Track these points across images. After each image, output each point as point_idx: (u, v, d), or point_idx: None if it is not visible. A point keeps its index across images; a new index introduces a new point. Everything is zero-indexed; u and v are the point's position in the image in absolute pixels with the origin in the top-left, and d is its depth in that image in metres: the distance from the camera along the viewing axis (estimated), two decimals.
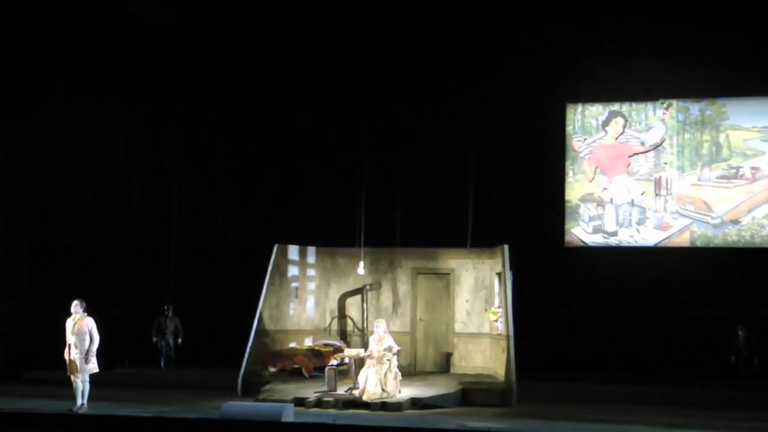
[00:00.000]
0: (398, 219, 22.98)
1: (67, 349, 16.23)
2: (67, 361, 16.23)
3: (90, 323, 16.17)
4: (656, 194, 22.86)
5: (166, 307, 23.09)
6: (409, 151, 23.40)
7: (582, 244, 23.32)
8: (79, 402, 16.14)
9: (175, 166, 24.65)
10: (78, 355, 16.10)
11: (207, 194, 24.76)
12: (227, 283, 23.84)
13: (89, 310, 16.35)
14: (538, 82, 22.72)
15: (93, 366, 16.23)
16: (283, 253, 21.61)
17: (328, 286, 22.46)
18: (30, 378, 20.76)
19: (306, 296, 22.21)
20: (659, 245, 22.82)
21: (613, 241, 23.13)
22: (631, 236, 22.98)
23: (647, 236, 22.89)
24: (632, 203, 23.00)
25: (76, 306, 16.26)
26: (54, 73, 22.28)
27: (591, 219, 23.25)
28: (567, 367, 21.69)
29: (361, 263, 21.16)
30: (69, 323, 16.27)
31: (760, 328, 20.98)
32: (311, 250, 22.37)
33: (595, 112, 23.46)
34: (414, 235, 22.70)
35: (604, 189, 23.21)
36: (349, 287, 22.15)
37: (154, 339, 22.97)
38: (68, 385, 16.54)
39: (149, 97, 24.12)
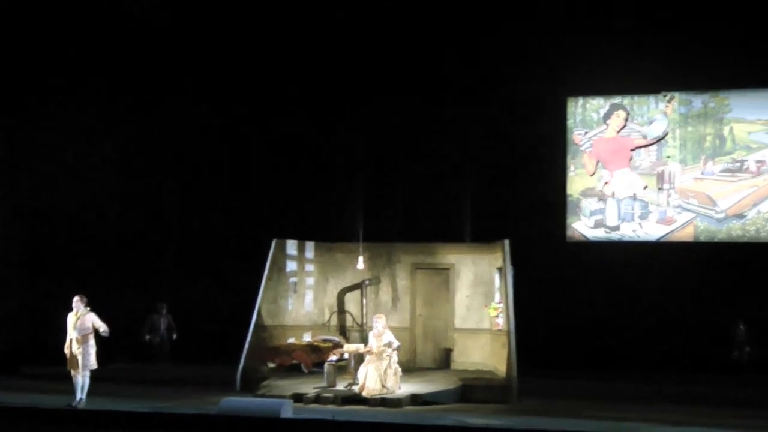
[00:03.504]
0: (397, 213, 23.09)
1: (68, 343, 16.60)
2: (68, 356, 16.60)
3: (92, 318, 16.59)
4: (659, 188, 22.83)
5: (159, 305, 23.31)
6: (408, 144, 23.43)
7: (583, 239, 23.28)
8: (78, 397, 16.47)
9: (171, 160, 24.82)
10: (80, 350, 16.47)
11: (203, 189, 24.86)
12: (225, 278, 23.92)
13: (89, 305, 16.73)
14: (538, 75, 22.66)
15: (93, 361, 16.60)
16: (281, 248, 21.71)
17: (326, 281, 22.59)
18: (27, 373, 20.99)
19: (304, 291, 22.33)
20: (662, 240, 22.76)
21: (615, 236, 23.11)
22: (634, 231, 23.01)
23: (650, 231, 22.90)
24: (634, 197, 22.98)
25: (77, 302, 16.63)
26: (51, 70, 22.51)
27: (592, 213, 23.28)
28: (568, 363, 21.69)
29: (360, 258, 21.30)
30: (70, 318, 16.63)
31: (764, 324, 21.17)
32: (309, 245, 22.47)
33: (596, 105, 23.46)
34: (413, 229, 22.76)
35: (606, 183, 23.22)
36: (348, 282, 22.26)
37: (147, 337, 23.17)
38: (66, 379, 16.83)
39: (146, 91, 24.26)
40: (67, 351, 16.65)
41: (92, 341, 16.67)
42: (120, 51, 23.22)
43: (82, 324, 16.56)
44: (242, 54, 24.07)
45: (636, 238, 23.01)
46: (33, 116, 22.99)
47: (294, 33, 23.54)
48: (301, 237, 22.40)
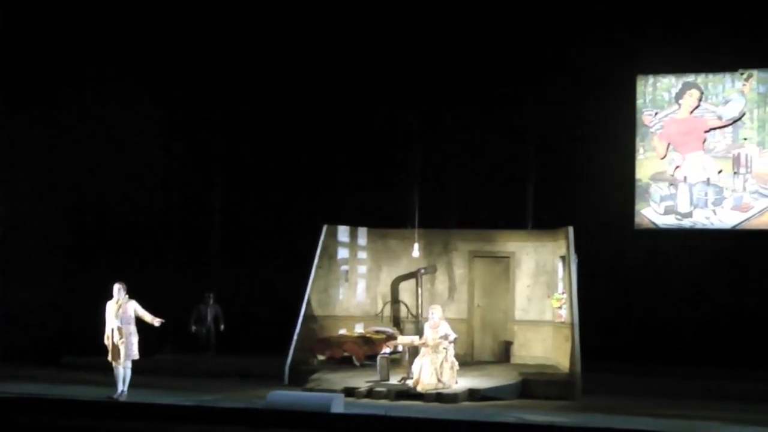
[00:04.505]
0: (454, 198, 22.97)
1: (109, 333, 16.68)
2: (109, 347, 16.69)
3: (134, 305, 16.70)
4: (734, 172, 22.52)
5: (206, 295, 23.44)
6: (465, 125, 23.31)
7: (653, 226, 23.05)
8: (119, 389, 16.60)
9: (216, 143, 24.91)
10: (122, 340, 16.55)
11: (251, 172, 24.93)
12: (273, 267, 23.98)
13: (129, 294, 16.82)
14: (605, 52, 22.42)
15: (136, 351, 16.69)
16: (332, 235, 21.80)
17: (379, 269, 22.61)
18: (68, 363, 21.29)
19: (356, 280, 22.40)
20: (737, 227, 22.49)
21: (686, 223, 22.85)
22: (707, 218, 22.73)
23: (724, 218, 22.62)
24: (708, 182, 22.68)
25: (118, 290, 16.74)
26: (87, 52, 22.70)
27: (663, 199, 23.02)
28: (635, 358, 21.54)
29: (415, 245, 21.27)
30: (111, 307, 16.74)
31: None
32: (362, 231, 22.54)
33: (668, 84, 23.18)
34: (471, 215, 22.62)
35: (677, 167, 22.94)
36: (402, 271, 22.30)
37: (194, 328, 23.34)
38: (107, 371, 16.99)
39: (190, 71, 24.37)
40: (107, 341, 16.73)
41: (134, 330, 16.77)
42: (160, 26, 23.27)
43: (124, 312, 16.69)
44: (290, 36, 24.07)
45: (709, 226, 22.77)
46: (74, 104, 23.17)
47: (347, 14, 23.48)
48: (354, 223, 22.45)
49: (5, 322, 21.85)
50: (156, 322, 16.85)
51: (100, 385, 17.45)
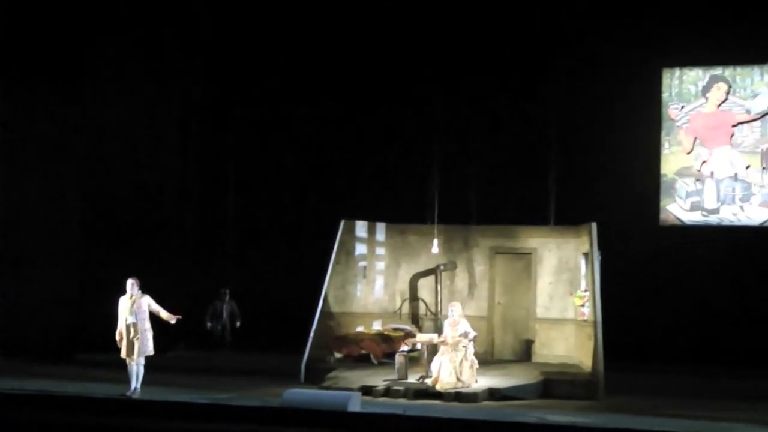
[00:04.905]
0: (475, 193, 22.93)
1: (123, 329, 16.67)
2: (122, 344, 16.68)
3: (148, 300, 16.71)
4: (763, 168, 22.49)
5: (222, 291, 23.46)
6: (487, 119, 23.27)
7: (678, 223, 23.04)
8: (132, 386, 16.60)
9: (232, 136, 24.92)
10: (137, 336, 16.55)
11: (268, 166, 24.94)
12: (289, 262, 24.05)
13: (142, 289, 16.83)
14: (630, 44, 22.38)
15: (150, 347, 16.70)
16: (349, 230, 21.78)
17: (398, 265, 22.58)
18: (81, 360, 21.34)
19: (374, 276, 22.38)
20: (766, 224, 22.48)
21: (713, 220, 22.82)
22: (734, 214, 22.68)
23: (752, 214, 22.56)
24: (735, 177, 22.65)
25: (131, 285, 16.73)
26: (103, 33, 22.74)
27: (689, 195, 22.98)
28: (660, 357, 21.51)
29: (435, 241, 21.20)
30: (124, 303, 16.74)
31: None
32: (380, 227, 22.51)
33: (694, 76, 23.13)
34: (492, 211, 22.60)
35: (704, 162, 22.89)
36: (421, 267, 22.25)
37: (209, 324, 23.38)
38: (120, 367, 16.99)
39: (206, 60, 24.41)
40: (119, 337, 16.72)
41: (149, 326, 16.77)
42: (178, 8, 23.33)
43: (138, 308, 16.68)
44: (307, 31, 24.08)
45: (737, 223, 22.73)
46: (86, 97, 23.21)
47: (364, 6, 23.47)
48: (372, 218, 22.41)
49: (17, 318, 21.90)
50: (172, 319, 16.86)
51: (113, 382, 17.46)
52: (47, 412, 15.24)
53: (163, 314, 16.83)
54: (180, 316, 16.99)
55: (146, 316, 16.74)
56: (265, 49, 24.36)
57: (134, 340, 16.61)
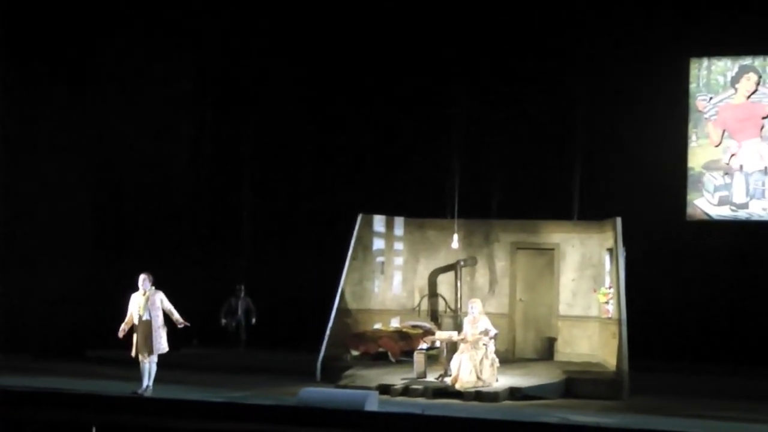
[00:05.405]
0: (496, 187, 22.94)
1: (137, 325, 16.67)
2: (134, 341, 16.69)
3: (161, 296, 16.73)
4: None
5: (237, 287, 23.52)
6: (507, 110, 23.23)
7: (706, 218, 23.02)
8: (144, 384, 16.62)
9: (247, 130, 24.95)
10: (150, 333, 16.55)
11: (283, 160, 24.96)
12: (306, 258, 24.07)
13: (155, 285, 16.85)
14: (657, 34, 22.36)
15: (164, 345, 16.71)
16: (367, 224, 21.77)
17: (416, 261, 22.56)
18: (93, 356, 21.45)
19: (392, 272, 22.37)
20: None
21: (742, 215, 22.78)
22: (764, 209, 22.64)
23: None
24: (765, 171, 22.60)
25: (144, 280, 16.74)
26: (116, 32, 22.83)
27: (717, 189, 22.93)
28: (686, 356, 21.54)
29: (455, 236, 21.17)
30: (137, 299, 16.74)
31: None
32: (399, 221, 22.50)
33: (723, 67, 23.06)
34: (513, 205, 22.63)
35: (733, 155, 22.83)
36: (441, 263, 22.23)
37: (224, 321, 23.48)
38: (132, 365, 17.04)
39: (219, 53, 24.45)
40: (121, 334, 16.71)
41: (162, 322, 16.77)
42: (191, 5, 23.37)
43: (152, 304, 16.69)
44: (327, 20, 24.12)
45: (766, 218, 22.69)
46: (99, 91, 23.29)
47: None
48: (390, 212, 22.38)
49: (27, 315, 21.97)
50: (181, 324, 16.83)
51: (124, 379, 17.50)
52: (57, 410, 15.23)
53: (175, 315, 16.82)
54: (189, 324, 16.96)
55: (160, 312, 16.75)
56: (279, 39, 24.36)
57: (147, 337, 16.59)
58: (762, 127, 22.66)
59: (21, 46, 22.34)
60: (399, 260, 22.54)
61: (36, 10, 22.39)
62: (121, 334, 16.80)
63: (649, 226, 21.66)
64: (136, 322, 16.73)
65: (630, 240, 19.68)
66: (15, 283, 21.85)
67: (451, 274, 22.04)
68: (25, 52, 22.42)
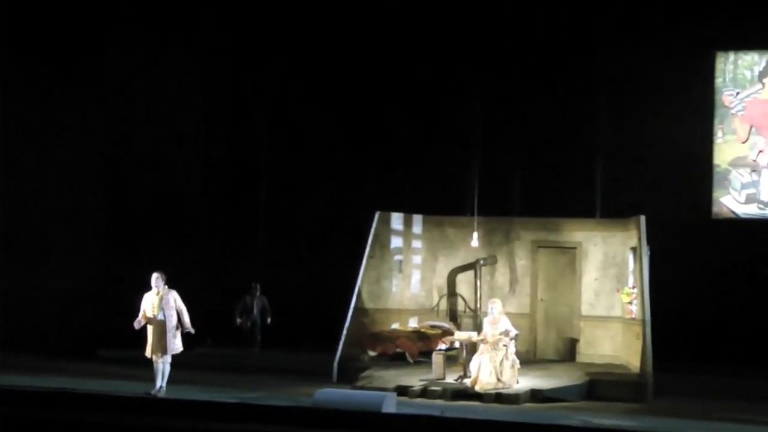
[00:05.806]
0: (517, 184, 22.94)
1: (150, 325, 16.67)
2: (147, 341, 16.70)
3: (175, 295, 16.74)
4: None
5: (252, 285, 23.56)
6: (528, 106, 23.24)
7: (732, 216, 23.01)
8: (158, 384, 16.64)
9: (264, 127, 24.97)
10: (164, 332, 16.56)
11: (300, 156, 24.99)
12: (322, 256, 24.12)
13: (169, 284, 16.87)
14: (682, 26, 22.34)
15: (178, 345, 16.71)
16: (385, 222, 21.77)
17: (435, 259, 22.54)
18: (104, 356, 21.50)
19: (410, 271, 22.35)
20: None
21: None
22: None
23: None
24: None
25: (157, 279, 16.75)
26: (125, 23, 22.90)
27: (744, 186, 22.91)
28: (711, 357, 21.49)
29: (474, 234, 21.17)
30: (150, 298, 16.74)
31: None
32: (417, 219, 22.48)
33: (750, 61, 23.06)
34: (534, 203, 22.63)
35: (761, 152, 22.80)
36: (460, 262, 22.20)
37: (239, 320, 23.53)
38: (144, 364, 17.06)
39: (235, 48, 24.50)
40: (138, 325, 16.73)
41: (176, 322, 16.76)
42: (206, 10, 23.47)
43: (166, 303, 16.71)
44: (346, 17, 24.17)
45: None
46: (112, 83, 23.36)
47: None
48: (408, 210, 22.37)
49: (38, 313, 22.05)
50: (188, 329, 16.80)
51: (137, 379, 17.53)
52: (69, 410, 15.31)
53: (184, 318, 16.77)
54: (193, 331, 16.93)
55: (174, 312, 16.75)
56: (301, 34, 24.38)
57: (161, 336, 16.59)
58: None
59: (21, 46, 22.40)
60: (417, 259, 22.53)
61: (36, 10, 22.44)
62: (137, 325, 16.80)
63: (674, 224, 21.66)
64: (150, 313, 16.71)
65: (654, 238, 19.64)
66: (26, 281, 21.93)
67: (470, 273, 22.01)
68: (25, 52, 22.48)
